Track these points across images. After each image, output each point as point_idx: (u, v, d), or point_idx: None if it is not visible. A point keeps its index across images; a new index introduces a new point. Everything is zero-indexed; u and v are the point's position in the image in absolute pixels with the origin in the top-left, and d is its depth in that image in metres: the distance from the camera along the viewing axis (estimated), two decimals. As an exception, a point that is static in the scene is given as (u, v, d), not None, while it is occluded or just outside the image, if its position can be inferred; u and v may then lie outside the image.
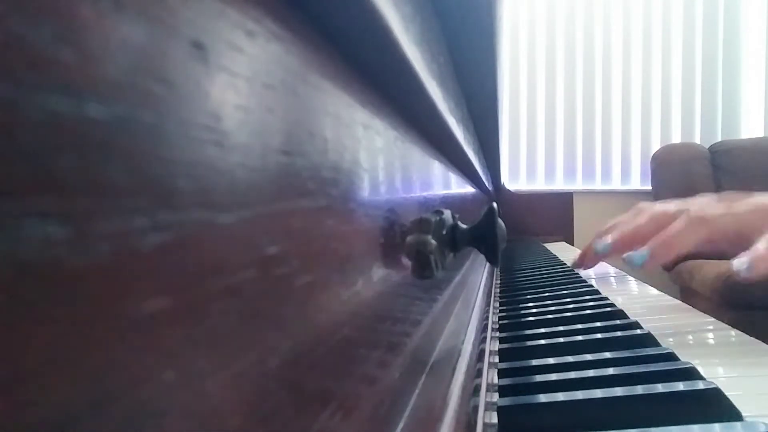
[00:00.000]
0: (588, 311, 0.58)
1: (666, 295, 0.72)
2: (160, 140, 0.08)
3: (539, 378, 0.38)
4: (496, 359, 0.43)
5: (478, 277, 0.64)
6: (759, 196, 0.59)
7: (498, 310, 0.64)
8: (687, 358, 0.39)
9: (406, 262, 0.25)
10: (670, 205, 0.60)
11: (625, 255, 0.54)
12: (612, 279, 0.88)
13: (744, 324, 0.53)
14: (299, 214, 0.13)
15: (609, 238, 0.57)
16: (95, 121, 0.07)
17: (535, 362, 0.42)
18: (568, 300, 0.65)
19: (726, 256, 0.54)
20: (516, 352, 0.46)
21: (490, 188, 1.36)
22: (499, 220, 0.33)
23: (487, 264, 0.71)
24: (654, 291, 0.76)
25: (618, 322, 0.52)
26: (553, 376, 0.38)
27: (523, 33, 2.25)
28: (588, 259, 0.85)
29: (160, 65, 0.08)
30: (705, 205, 0.59)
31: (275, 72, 0.12)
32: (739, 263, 0.46)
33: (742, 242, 0.52)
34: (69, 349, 0.06)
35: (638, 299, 0.71)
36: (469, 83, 0.53)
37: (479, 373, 0.32)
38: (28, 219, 0.06)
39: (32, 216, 0.06)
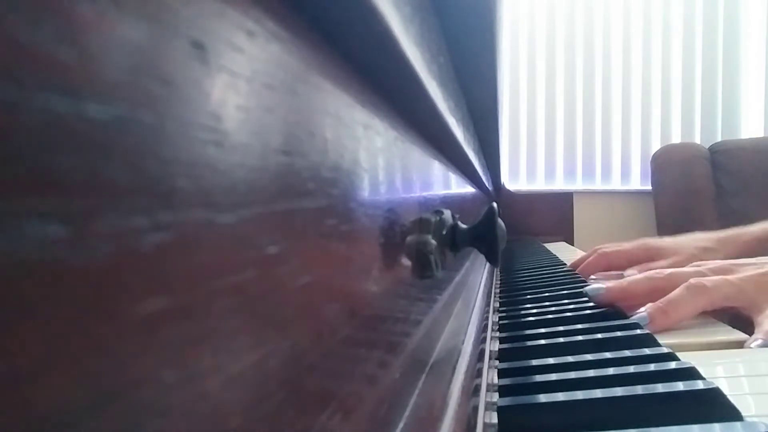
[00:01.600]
0: (588, 311, 0.58)
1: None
2: (160, 140, 0.08)
3: (539, 378, 0.38)
4: (496, 359, 0.43)
5: (478, 277, 0.64)
6: (765, 259, 0.60)
7: (498, 310, 0.64)
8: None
9: (406, 262, 0.25)
10: (666, 271, 0.63)
11: (632, 318, 0.56)
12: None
13: (743, 324, 0.53)
14: (299, 214, 0.13)
15: (603, 288, 0.60)
16: (95, 121, 0.07)
17: (535, 362, 0.42)
18: (568, 300, 0.65)
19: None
20: (516, 352, 0.46)
21: (490, 188, 1.36)
22: (499, 220, 0.33)
23: (487, 264, 0.71)
24: None
25: (618, 322, 0.52)
26: (553, 376, 0.38)
27: (523, 33, 2.25)
28: (582, 274, 0.89)
29: (160, 65, 0.08)
30: (706, 269, 0.61)
31: (275, 72, 0.12)
32: (754, 342, 0.48)
33: (740, 313, 0.55)
34: (69, 349, 0.06)
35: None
36: (469, 83, 0.53)
37: (479, 373, 0.32)
38: (28, 219, 0.06)
39: (32, 216, 0.06)
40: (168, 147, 0.08)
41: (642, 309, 0.55)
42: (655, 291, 0.58)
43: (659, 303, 0.54)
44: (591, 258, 0.91)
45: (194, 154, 0.09)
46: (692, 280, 0.56)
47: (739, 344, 0.48)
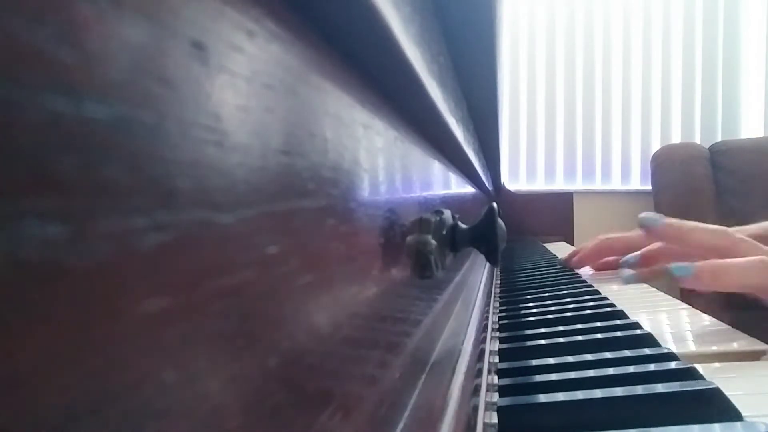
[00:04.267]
0: (588, 311, 0.58)
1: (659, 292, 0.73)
2: (160, 140, 0.08)
3: (539, 378, 0.38)
4: (496, 359, 0.43)
5: (478, 277, 0.64)
6: None
7: (498, 310, 0.64)
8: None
9: (406, 262, 0.25)
10: (737, 235, 0.55)
11: (670, 265, 0.52)
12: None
13: (743, 324, 0.53)
14: (299, 214, 0.13)
15: (659, 219, 0.53)
16: (95, 121, 0.07)
17: (535, 362, 0.42)
18: (568, 300, 0.65)
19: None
20: (516, 352, 0.46)
21: (490, 188, 1.36)
22: (499, 220, 0.33)
23: (487, 264, 0.71)
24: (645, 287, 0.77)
25: (618, 322, 0.52)
26: (553, 376, 0.38)
27: (523, 33, 2.25)
28: (578, 264, 0.89)
29: (160, 65, 0.08)
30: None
31: (275, 72, 0.12)
32: None
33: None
34: (69, 349, 0.06)
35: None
36: (469, 83, 0.53)
37: (479, 373, 0.32)
38: (28, 219, 0.06)
39: (32, 216, 0.06)
40: (168, 147, 0.08)
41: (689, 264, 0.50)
42: (715, 249, 0.53)
43: (713, 262, 0.50)
44: (591, 244, 0.90)
45: (194, 154, 0.09)
46: (764, 257, 0.50)
47: (757, 355, 0.46)
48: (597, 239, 0.92)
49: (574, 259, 0.94)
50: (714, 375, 0.36)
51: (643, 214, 0.54)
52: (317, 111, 0.15)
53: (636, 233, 0.89)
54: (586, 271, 0.93)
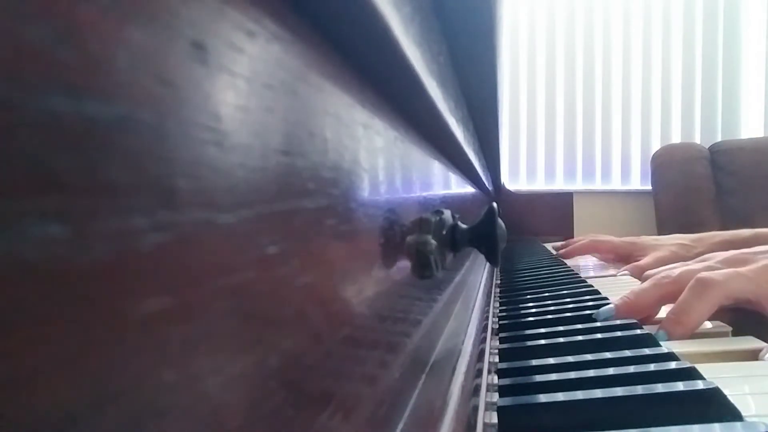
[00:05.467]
0: (588, 311, 0.57)
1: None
2: (160, 140, 0.08)
3: (539, 378, 0.38)
4: (496, 359, 0.43)
5: (478, 277, 0.64)
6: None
7: (498, 310, 0.64)
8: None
9: (406, 262, 0.25)
10: (674, 273, 0.57)
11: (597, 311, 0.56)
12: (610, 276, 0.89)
13: (743, 323, 0.53)
14: (299, 214, 0.13)
15: (612, 307, 0.56)
16: (96, 121, 0.07)
17: (535, 362, 0.42)
18: (568, 300, 0.65)
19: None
20: (516, 352, 0.46)
21: (490, 188, 1.36)
22: (499, 220, 0.33)
23: (487, 264, 0.71)
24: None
25: (617, 321, 0.52)
26: (553, 376, 0.38)
27: (523, 33, 2.25)
28: (565, 255, 1.02)
29: (160, 65, 0.08)
30: (715, 261, 0.57)
31: (275, 72, 0.12)
32: None
33: (756, 307, 0.51)
34: (69, 349, 0.06)
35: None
36: (469, 83, 0.53)
37: (479, 373, 0.32)
38: (28, 219, 0.06)
39: (32, 216, 0.06)
40: (168, 147, 0.08)
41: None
42: (666, 297, 0.55)
43: (669, 314, 0.51)
44: (581, 240, 1.04)
45: (194, 154, 0.09)
46: (698, 276, 0.51)
47: (754, 354, 0.45)
48: (588, 238, 1.04)
49: (562, 250, 1.07)
50: (714, 375, 0.35)
51: (595, 315, 0.56)
52: (317, 111, 0.15)
53: (623, 240, 0.98)
54: (587, 265, 0.99)
